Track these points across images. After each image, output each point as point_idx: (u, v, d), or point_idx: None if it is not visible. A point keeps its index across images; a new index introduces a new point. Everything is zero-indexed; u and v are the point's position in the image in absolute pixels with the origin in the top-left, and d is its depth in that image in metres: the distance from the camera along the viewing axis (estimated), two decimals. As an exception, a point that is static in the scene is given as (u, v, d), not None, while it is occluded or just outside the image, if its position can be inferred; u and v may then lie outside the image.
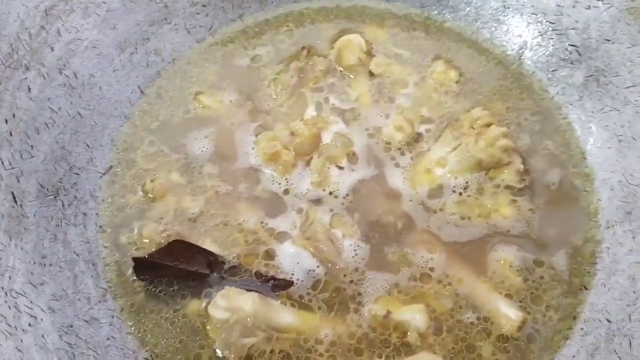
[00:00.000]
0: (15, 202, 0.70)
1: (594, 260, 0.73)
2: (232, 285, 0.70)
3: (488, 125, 0.80)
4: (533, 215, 0.77)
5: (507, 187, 0.79)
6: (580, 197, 0.79)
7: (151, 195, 0.80)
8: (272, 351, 0.67)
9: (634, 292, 0.67)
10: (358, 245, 0.74)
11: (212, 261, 0.73)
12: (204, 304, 0.70)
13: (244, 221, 0.77)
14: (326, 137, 0.84)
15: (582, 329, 0.68)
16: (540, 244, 0.75)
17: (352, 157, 0.82)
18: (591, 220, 0.76)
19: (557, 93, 0.88)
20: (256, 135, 0.84)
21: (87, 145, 0.82)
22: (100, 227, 0.77)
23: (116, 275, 0.73)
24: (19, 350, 0.59)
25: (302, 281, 0.71)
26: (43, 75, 0.79)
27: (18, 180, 0.72)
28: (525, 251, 0.74)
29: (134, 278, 0.73)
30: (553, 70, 0.89)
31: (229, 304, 0.67)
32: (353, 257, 0.73)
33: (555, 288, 0.71)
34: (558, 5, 0.88)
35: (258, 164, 0.82)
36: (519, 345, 0.67)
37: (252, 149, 0.83)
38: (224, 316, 0.65)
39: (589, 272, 0.72)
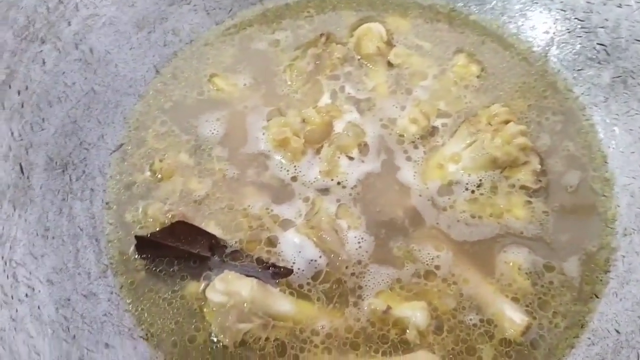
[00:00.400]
0: (23, 173, 0.70)
1: (607, 268, 0.70)
2: (232, 270, 0.69)
3: (506, 122, 0.76)
4: (547, 218, 0.73)
5: (522, 187, 0.76)
6: (598, 202, 0.75)
7: (159, 175, 0.79)
8: (267, 339, 0.65)
9: (647, 304, 0.63)
10: (362, 238, 0.72)
11: (214, 244, 0.72)
12: (202, 287, 0.69)
13: (249, 206, 0.76)
14: (338, 126, 0.82)
15: (589, 338, 0.65)
16: (553, 248, 0.71)
17: (363, 148, 0.80)
18: (608, 227, 0.73)
19: (582, 93, 0.84)
20: (268, 121, 0.83)
21: (99, 122, 0.81)
22: (107, 203, 0.77)
23: (118, 253, 0.73)
24: (13, 320, 0.59)
25: (303, 270, 0.70)
26: (59, 49, 0.79)
27: (27, 152, 0.72)
28: (536, 255, 0.71)
29: (136, 256, 0.72)
30: (579, 70, 0.85)
31: (226, 288, 0.66)
32: (357, 249, 0.71)
33: (564, 294, 0.68)
34: (588, 2, 0.84)
35: (267, 150, 0.80)
36: (522, 351, 0.64)
37: (263, 134, 0.82)
38: (221, 300, 0.64)
39: (601, 280, 0.69)
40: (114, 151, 0.81)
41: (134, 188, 0.78)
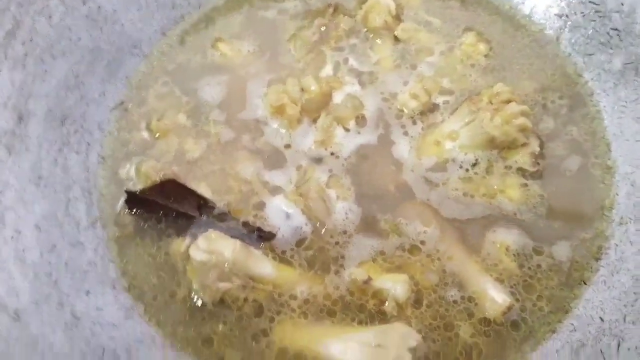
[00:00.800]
0: (21, 121, 0.70)
1: (599, 256, 0.67)
2: (217, 230, 0.68)
3: (508, 102, 0.73)
4: (542, 202, 0.70)
5: (519, 169, 0.73)
6: (596, 189, 0.72)
7: (156, 134, 0.78)
8: (245, 299, 0.64)
9: (634, 292, 0.60)
10: (350, 209, 0.70)
11: (202, 205, 0.71)
12: (187, 244, 0.68)
13: (241, 170, 0.75)
14: (337, 97, 0.80)
15: (572, 324, 0.62)
16: (544, 232, 0.68)
17: (360, 120, 0.78)
18: (604, 215, 0.70)
19: (592, 79, 0.80)
20: (268, 88, 0.81)
21: (102, 79, 0.81)
22: (102, 158, 0.76)
23: (109, 206, 0.72)
24: (-5, 259, 0.59)
25: (287, 237, 0.68)
26: (66, 4, 0.78)
27: (26, 102, 0.72)
28: (526, 237, 0.68)
29: (125, 211, 0.72)
30: (590, 54, 0.81)
31: (209, 247, 0.65)
32: (343, 219, 0.70)
33: (551, 278, 0.65)
34: (605, -16, 0.80)
35: (264, 116, 0.79)
36: (501, 331, 0.62)
37: (262, 101, 0.80)
38: (202, 258, 0.63)
39: (591, 267, 0.66)
40: (114, 108, 0.81)
41: (130, 145, 0.78)
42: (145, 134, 0.79)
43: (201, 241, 0.65)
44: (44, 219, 0.67)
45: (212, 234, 0.66)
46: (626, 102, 0.76)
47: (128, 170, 0.75)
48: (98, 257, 0.68)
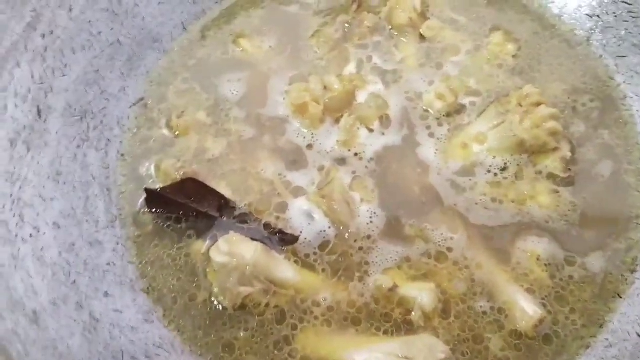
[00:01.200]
0: (40, 116, 0.67)
1: (634, 268, 0.62)
2: (238, 232, 0.65)
3: (537, 104, 0.69)
4: (574, 209, 0.66)
5: (550, 175, 0.69)
6: (630, 197, 0.67)
7: (176, 132, 0.75)
8: (267, 305, 0.61)
9: (675, 308, 0.56)
10: (375, 213, 0.67)
11: (223, 205, 0.68)
12: (207, 246, 0.65)
13: (262, 170, 0.71)
14: (361, 97, 0.76)
15: (607, 339, 0.58)
16: (577, 241, 0.64)
17: (385, 121, 0.74)
18: (638, 224, 0.65)
19: (624, 82, 0.76)
20: (290, 85, 0.78)
21: (122, 74, 0.77)
22: (122, 155, 0.73)
23: (128, 205, 0.69)
24: (14, 258, 0.56)
25: (310, 240, 0.65)
26: (86, -3, 0.75)
27: (46, 96, 0.68)
28: (557, 246, 0.64)
29: (145, 210, 0.68)
30: (622, 57, 0.76)
31: (230, 249, 0.61)
32: (367, 223, 0.66)
33: (584, 290, 0.61)
34: (641, -16, 0.75)
35: (286, 115, 0.75)
36: (532, 345, 0.58)
37: (283, 98, 0.77)
38: (223, 260, 0.60)
39: (626, 279, 0.62)
40: (134, 104, 0.77)
41: (150, 142, 0.74)
42: (165, 131, 0.75)
43: (222, 243, 0.62)
44: (62, 216, 0.64)
45: (233, 236, 0.63)
46: (661, 106, 0.71)
47: (148, 168, 0.72)
48: (117, 257, 0.65)
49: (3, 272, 0.55)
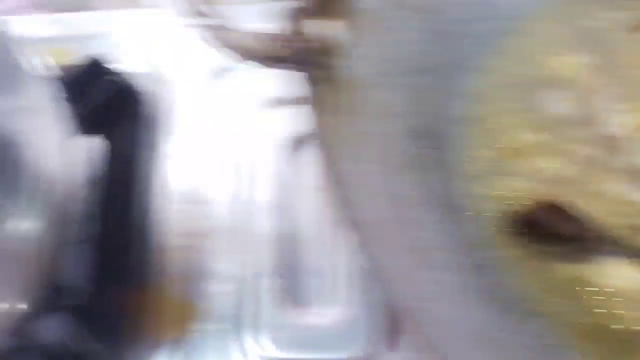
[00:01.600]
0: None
1: None
2: (612, 256, 0.63)
3: None
4: None
5: None
6: None
7: (507, 153, 0.74)
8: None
9: None
10: None
11: (584, 228, 0.67)
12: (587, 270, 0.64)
13: (609, 190, 0.69)
14: None
15: None
16: None
17: None
18: None
19: None
20: (621, 104, 0.75)
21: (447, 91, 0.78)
22: (464, 176, 0.74)
23: (485, 226, 0.70)
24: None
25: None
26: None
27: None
28: None
29: (509, 231, 0.68)
30: None
31: (622, 274, 0.60)
32: None
33: None
34: None
35: (623, 134, 0.72)
36: None
37: (615, 117, 0.74)
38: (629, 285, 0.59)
39: None
40: (459, 123, 0.78)
41: (484, 162, 0.74)
42: (493, 153, 0.75)
43: (613, 268, 0.61)
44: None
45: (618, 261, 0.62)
46: None
47: (494, 189, 0.72)
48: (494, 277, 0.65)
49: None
